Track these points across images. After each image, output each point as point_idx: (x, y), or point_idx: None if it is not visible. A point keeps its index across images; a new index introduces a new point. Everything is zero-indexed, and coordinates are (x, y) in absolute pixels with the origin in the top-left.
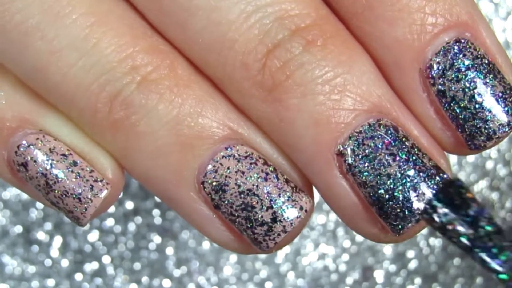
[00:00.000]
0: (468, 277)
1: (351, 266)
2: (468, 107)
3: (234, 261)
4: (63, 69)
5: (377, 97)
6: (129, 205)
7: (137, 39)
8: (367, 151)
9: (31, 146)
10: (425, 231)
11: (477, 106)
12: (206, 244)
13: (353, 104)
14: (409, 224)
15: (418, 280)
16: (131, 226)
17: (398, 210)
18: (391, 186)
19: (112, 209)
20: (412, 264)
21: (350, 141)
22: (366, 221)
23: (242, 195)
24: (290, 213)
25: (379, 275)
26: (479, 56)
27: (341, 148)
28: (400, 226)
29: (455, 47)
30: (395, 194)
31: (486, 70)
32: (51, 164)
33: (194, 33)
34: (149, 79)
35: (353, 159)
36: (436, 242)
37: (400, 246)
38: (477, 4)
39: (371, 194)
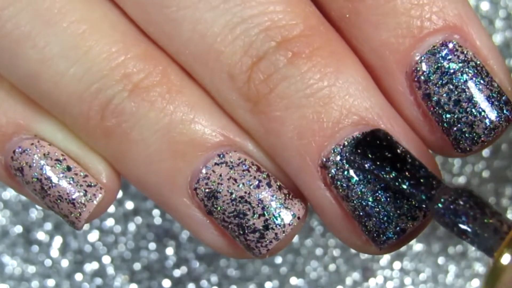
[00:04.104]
0: (467, 278)
1: (351, 266)
2: (453, 111)
3: (234, 261)
4: (55, 77)
5: (364, 110)
6: (129, 205)
7: (129, 46)
8: (349, 164)
9: (26, 151)
10: (425, 231)
11: (461, 110)
12: None
13: (337, 117)
14: (390, 240)
15: (418, 281)
16: (131, 226)
17: (379, 226)
18: (374, 202)
19: (112, 209)
20: (412, 265)
21: (334, 154)
22: (351, 232)
23: (234, 202)
24: (283, 220)
25: (379, 275)
26: (466, 59)
27: (325, 161)
28: (382, 241)
29: (442, 50)
30: (377, 210)
31: (472, 73)
32: (45, 169)
33: (181, 44)
34: (141, 86)
35: (335, 172)
36: (436, 243)
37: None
38: (477, 5)
39: (353, 208)
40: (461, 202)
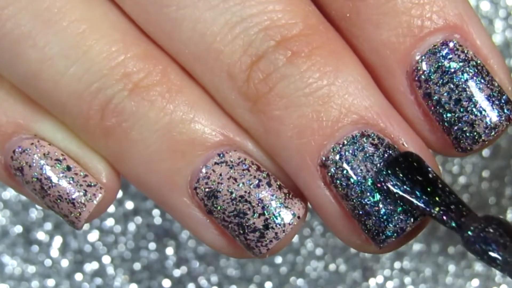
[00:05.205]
0: (467, 278)
1: (351, 266)
2: (454, 110)
3: (234, 261)
4: (55, 76)
5: (363, 109)
6: (129, 205)
7: (129, 45)
8: (349, 163)
9: (26, 151)
10: (425, 231)
11: (462, 109)
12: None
13: (337, 116)
14: (390, 239)
15: (418, 281)
16: (131, 226)
17: (379, 225)
18: (373, 200)
19: (112, 209)
20: (412, 265)
21: (333, 153)
22: (350, 231)
23: (234, 202)
24: (283, 220)
25: (379, 275)
26: (467, 58)
27: (324, 160)
28: (381, 240)
29: (442, 50)
30: (377, 208)
31: (473, 73)
32: (45, 169)
33: (181, 44)
34: (141, 85)
35: (335, 171)
36: (436, 243)
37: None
38: (477, 5)
39: (353, 207)
40: (491, 230)
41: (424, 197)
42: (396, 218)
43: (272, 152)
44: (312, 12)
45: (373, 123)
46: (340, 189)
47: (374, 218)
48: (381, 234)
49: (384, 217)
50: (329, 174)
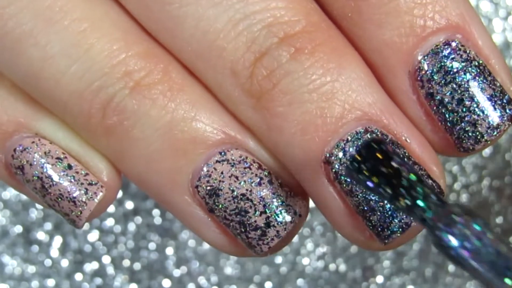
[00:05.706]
0: (467, 277)
1: (351, 266)
2: (456, 110)
3: (234, 261)
4: (56, 75)
5: (367, 105)
6: (129, 205)
7: (131, 44)
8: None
9: (27, 150)
10: (425, 231)
11: (465, 109)
12: (206, 244)
13: (341, 112)
14: (395, 235)
15: (418, 280)
16: (131, 226)
17: (384, 220)
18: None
19: (112, 209)
20: (412, 264)
21: (337, 150)
22: (354, 228)
23: (235, 200)
24: (284, 218)
25: (379, 275)
26: (469, 58)
27: (328, 156)
28: (386, 236)
29: (445, 50)
30: (382, 204)
31: (475, 73)
32: (46, 168)
33: (183, 41)
34: (142, 84)
35: (339, 167)
36: None
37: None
38: (477, 4)
39: (357, 203)
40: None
41: (389, 191)
42: (401, 213)
43: (275, 149)
44: (314, 10)
45: (377, 120)
46: (344, 185)
47: (379, 213)
48: (386, 230)
49: (389, 212)
50: (333, 170)
